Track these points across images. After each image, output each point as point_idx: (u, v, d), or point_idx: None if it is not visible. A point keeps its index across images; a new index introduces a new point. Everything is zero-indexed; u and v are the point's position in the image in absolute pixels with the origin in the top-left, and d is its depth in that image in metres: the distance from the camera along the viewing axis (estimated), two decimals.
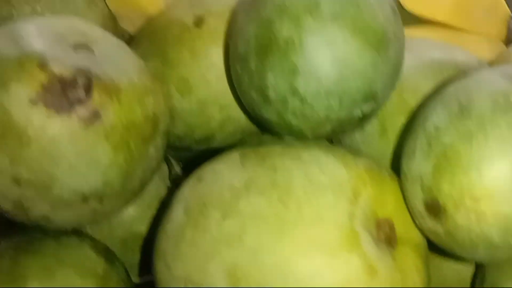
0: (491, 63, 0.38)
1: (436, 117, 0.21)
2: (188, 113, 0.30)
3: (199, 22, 0.29)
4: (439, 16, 0.38)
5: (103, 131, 0.21)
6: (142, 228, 0.30)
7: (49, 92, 0.20)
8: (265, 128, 0.28)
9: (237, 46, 0.23)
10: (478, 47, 0.38)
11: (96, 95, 0.21)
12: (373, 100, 0.23)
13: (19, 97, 0.20)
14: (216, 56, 0.29)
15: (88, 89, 0.21)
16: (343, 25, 0.21)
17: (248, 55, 0.22)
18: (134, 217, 0.30)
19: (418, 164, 0.21)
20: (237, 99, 0.29)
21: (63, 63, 0.21)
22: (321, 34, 0.21)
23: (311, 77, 0.21)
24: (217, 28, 0.29)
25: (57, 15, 0.29)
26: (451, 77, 0.24)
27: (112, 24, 0.32)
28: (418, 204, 0.21)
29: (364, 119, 0.24)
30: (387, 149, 0.27)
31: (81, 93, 0.20)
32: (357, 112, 0.23)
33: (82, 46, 0.23)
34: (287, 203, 0.21)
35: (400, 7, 0.39)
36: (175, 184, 0.35)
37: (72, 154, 0.20)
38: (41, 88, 0.20)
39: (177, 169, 0.35)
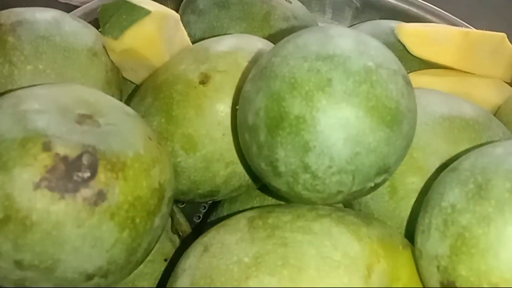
0: (499, 108, 0.37)
1: (452, 196, 0.20)
2: (193, 170, 0.29)
3: (204, 79, 0.29)
4: (445, 61, 0.38)
5: (109, 211, 0.20)
6: (144, 283, 0.30)
7: (53, 174, 0.19)
8: (270, 192, 0.27)
9: (246, 115, 0.23)
10: (485, 91, 0.37)
11: (101, 175, 0.20)
12: (386, 173, 0.22)
13: (23, 181, 0.19)
14: (221, 113, 0.28)
15: (93, 168, 0.20)
16: (356, 104, 0.20)
17: (258, 126, 0.22)
18: (136, 272, 0.29)
19: (433, 243, 0.20)
20: (242, 156, 0.28)
21: (68, 142, 0.20)
22: (334, 112, 0.20)
23: (324, 155, 0.20)
24: (222, 85, 0.28)
25: (60, 73, 0.28)
26: (466, 150, 0.24)
27: (116, 77, 0.32)
28: (433, 283, 0.21)
29: (376, 187, 0.23)
30: (397, 208, 0.27)
31: (86, 173, 0.20)
32: (370, 184, 0.22)
33: (87, 118, 0.22)
34: (298, 283, 0.20)
35: (407, 51, 0.39)
36: (178, 234, 0.34)
37: (77, 236, 0.20)
38: (45, 171, 0.19)
39: (179, 216, 0.35)
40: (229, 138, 0.28)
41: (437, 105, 0.29)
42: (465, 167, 0.21)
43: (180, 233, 0.34)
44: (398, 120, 0.21)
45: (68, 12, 0.59)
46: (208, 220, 0.35)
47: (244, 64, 0.29)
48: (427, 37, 0.38)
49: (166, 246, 0.32)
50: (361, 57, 0.21)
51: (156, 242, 0.25)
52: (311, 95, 0.20)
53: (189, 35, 0.37)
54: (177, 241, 0.33)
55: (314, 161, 0.21)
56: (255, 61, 0.29)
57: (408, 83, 0.22)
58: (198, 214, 0.40)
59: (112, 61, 0.31)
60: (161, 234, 0.25)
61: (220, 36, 0.32)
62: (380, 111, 0.20)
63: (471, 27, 0.45)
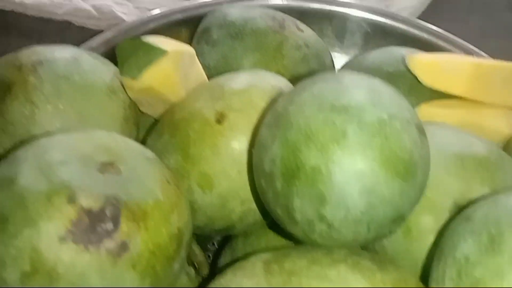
0: (511, 139, 0.37)
1: (466, 247, 0.21)
2: (209, 207, 0.30)
3: (220, 118, 0.29)
4: (456, 91, 0.38)
5: (131, 261, 0.21)
6: None
7: (78, 227, 0.20)
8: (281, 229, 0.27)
9: (262, 161, 0.23)
10: (497, 122, 0.38)
11: (124, 226, 0.21)
12: (401, 220, 0.23)
13: (49, 234, 0.20)
14: (237, 151, 0.29)
15: (116, 220, 0.21)
16: (371, 157, 0.21)
17: (274, 174, 0.22)
18: None
19: None
20: (255, 193, 0.29)
21: (91, 194, 0.21)
22: (349, 165, 0.21)
23: (339, 206, 0.21)
24: (237, 124, 0.29)
25: (80, 112, 0.29)
26: (480, 197, 0.24)
27: (133, 113, 0.33)
28: None
29: (391, 233, 0.24)
30: (411, 248, 0.27)
31: (109, 225, 0.20)
32: (385, 232, 0.23)
33: (108, 166, 0.23)
34: None
35: (418, 81, 0.39)
36: (194, 265, 0.35)
37: (100, 286, 0.20)
38: (70, 224, 0.20)
39: (194, 248, 0.35)
40: (245, 175, 0.29)
41: (450, 142, 0.29)
42: (478, 217, 0.21)
43: (196, 265, 0.35)
44: (411, 171, 0.21)
45: (84, 36, 0.60)
46: (223, 253, 0.35)
47: (259, 102, 0.30)
48: (438, 68, 0.38)
49: (182, 279, 0.32)
50: (375, 108, 0.21)
51: (175, 284, 0.25)
52: (326, 147, 0.21)
53: (203, 65, 0.38)
54: (193, 273, 0.34)
55: (330, 212, 0.21)
56: (269, 98, 0.30)
57: (421, 131, 0.23)
58: (212, 241, 0.41)
59: (129, 97, 0.32)
60: (179, 276, 0.25)
61: (235, 73, 0.33)
62: (394, 163, 0.21)
63: (482, 53, 0.45)
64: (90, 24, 0.59)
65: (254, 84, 0.31)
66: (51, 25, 0.59)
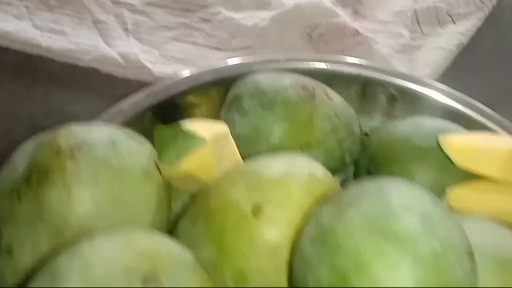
0: None
1: None
2: None
3: (256, 211, 0.29)
4: (490, 174, 0.38)
5: None
6: None
7: None
8: None
9: (305, 277, 0.23)
10: None
11: None
12: None
13: None
14: (273, 247, 0.28)
15: None
16: None
17: None
18: None
19: None
20: None
21: None
22: None
23: None
24: (275, 218, 0.29)
25: (116, 198, 0.29)
26: None
27: (167, 194, 0.32)
28: None
29: None
30: None
31: None
32: None
33: (151, 279, 0.22)
34: None
35: (451, 161, 0.38)
36: None
37: None
38: None
39: None
40: (281, 273, 0.28)
41: (489, 243, 0.29)
42: None
43: None
44: None
45: (110, 84, 0.60)
46: None
47: (296, 194, 0.29)
48: (472, 151, 0.38)
49: None
50: (427, 238, 0.21)
51: None
52: (379, 281, 0.20)
53: (233, 134, 0.37)
54: None
55: None
56: (307, 190, 0.30)
57: (471, 256, 0.22)
58: None
59: (163, 178, 0.32)
60: None
61: (270, 158, 0.32)
62: None
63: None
64: (116, 72, 0.59)
65: (291, 174, 0.30)
66: (77, 71, 0.59)
